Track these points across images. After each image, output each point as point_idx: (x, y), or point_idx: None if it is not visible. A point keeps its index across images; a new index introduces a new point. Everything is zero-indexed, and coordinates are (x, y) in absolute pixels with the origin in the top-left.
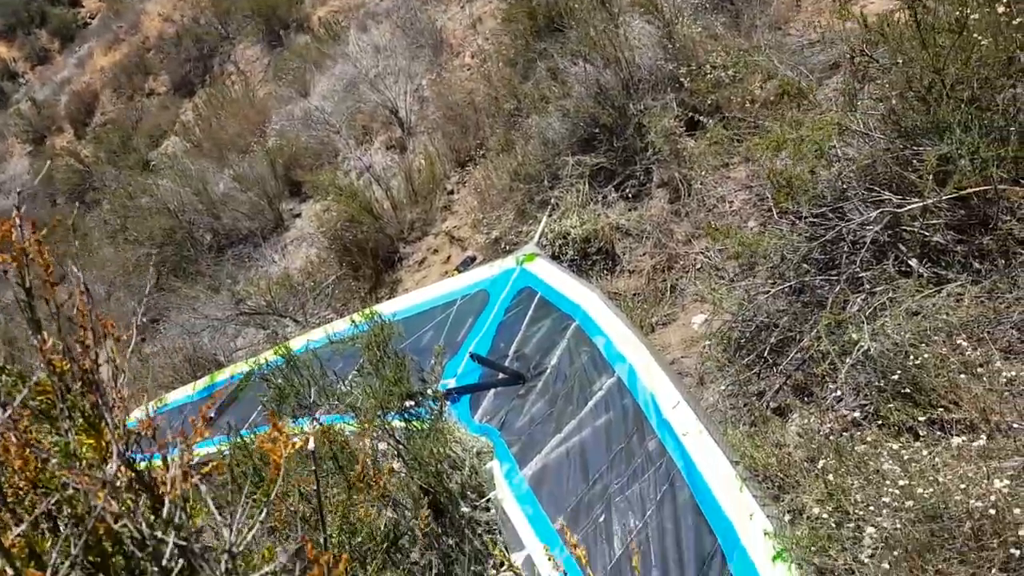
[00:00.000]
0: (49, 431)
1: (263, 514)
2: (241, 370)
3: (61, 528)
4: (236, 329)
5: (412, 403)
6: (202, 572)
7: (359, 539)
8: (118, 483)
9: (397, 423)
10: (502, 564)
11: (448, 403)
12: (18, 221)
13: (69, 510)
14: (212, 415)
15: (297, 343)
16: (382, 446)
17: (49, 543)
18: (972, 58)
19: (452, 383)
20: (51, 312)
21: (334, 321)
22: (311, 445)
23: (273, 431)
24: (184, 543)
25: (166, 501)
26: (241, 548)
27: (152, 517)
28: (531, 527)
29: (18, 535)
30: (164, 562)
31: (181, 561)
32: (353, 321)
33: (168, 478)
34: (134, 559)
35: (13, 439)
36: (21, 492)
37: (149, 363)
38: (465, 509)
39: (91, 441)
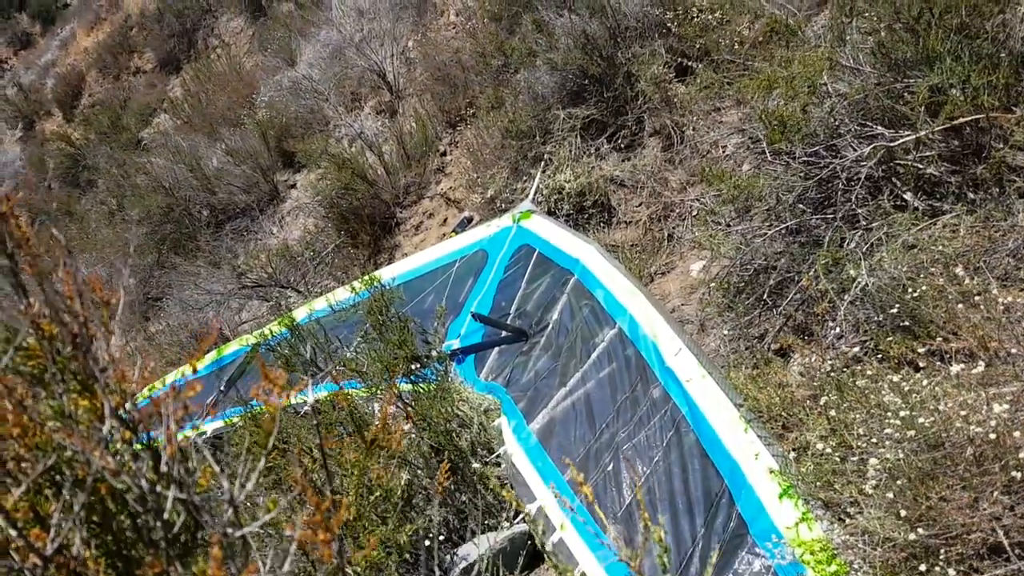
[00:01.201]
0: (44, 396)
1: (262, 462)
2: (248, 343)
3: (65, 492)
4: (239, 303)
5: (418, 365)
6: (205, 523)
7: (374, 497)
8: (114, 440)
9: (404, 386)
10: (516, 514)
11: (453, 363)
12: None
13: (69, 472)
14: (222, 388)
15: (300, 313)
16: (391, 409)
17: (52, 506)
18: None
19: (456, 343)
20: (37, 280)
21: (336, 289)
22: (309, 396)
23: (266, 381)
24: (184, 496)
25: (162, 456)
26: (241, 497)
27: (155, 477)
28: (541, 479)
29: (19, 498)
30: (166, 516)
31: (184, 514)
32: (354, 288)
33: (164, 435)
34: (139, 517)
35: (9, 406)
36: (23, 460)
37: (155, 341)
38: (476, 465)
39: (86, 403)
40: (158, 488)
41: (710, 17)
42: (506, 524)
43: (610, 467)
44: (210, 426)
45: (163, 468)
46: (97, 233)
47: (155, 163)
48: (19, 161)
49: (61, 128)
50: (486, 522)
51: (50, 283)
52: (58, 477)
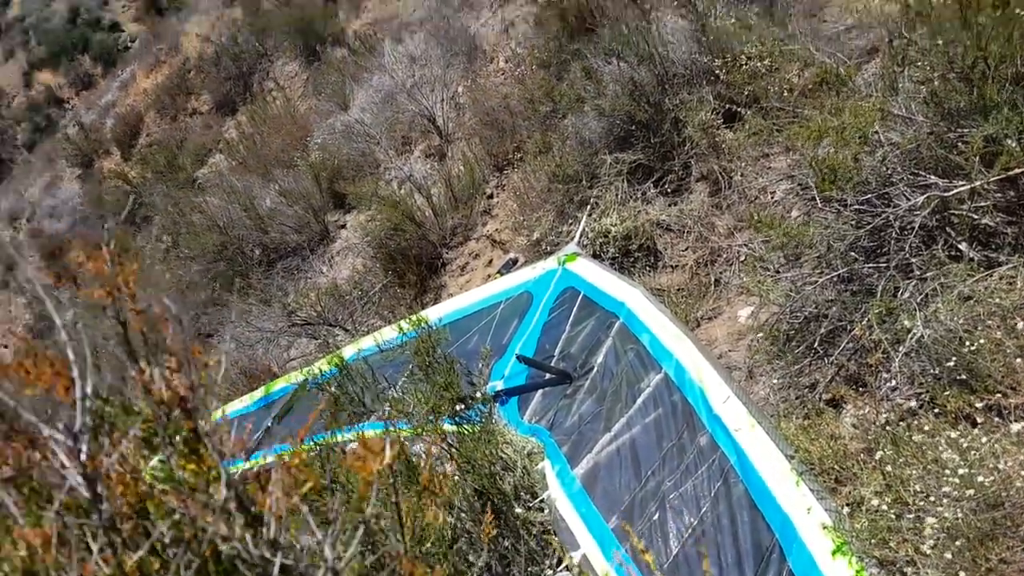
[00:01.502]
0: (149, 457)
1: (360, 531)
2: (295, 380)
3: (158, 549)
4: (288, 340)
5: (462, 406)
6: None
7: (428, 544)
8: (227, 509)
9: (449, 427)
10: (559, 563)
11: (497, 405)
12: (108, 257)
13: (174, 532)
14: (269, 424)
15: (348, 352)
16: (435, 450)
17: (158, 565)
18: (1015, 34)
19: (500, 385)
20: (145, 343)
21: (382, 328)
22: (387, 458)
23: (361, 448)
24: (291, 563)
25: (271, 522)
26: (344, 566)
27: (252, 535)
28: (585, 526)
29: (136, 561)
30: None
31: None
32: (401, 328)
33: (271, 500)
34: None
35: (118, 467)
36: (126, 518)
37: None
38: (519, 510)
39: (192, 467)
40: (265, 553)
41: (759, 64)
42: (549, 572)
43: (656, 516)
44: (254, 460)
45: (271, 535)
46: (151, 270)
47: (210, 202)
48: (78, 198)
49: (119, 166)
50: (529, 569)
51: (159, 347)
52: (156, 533)
